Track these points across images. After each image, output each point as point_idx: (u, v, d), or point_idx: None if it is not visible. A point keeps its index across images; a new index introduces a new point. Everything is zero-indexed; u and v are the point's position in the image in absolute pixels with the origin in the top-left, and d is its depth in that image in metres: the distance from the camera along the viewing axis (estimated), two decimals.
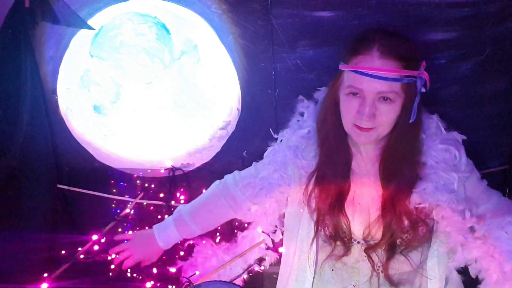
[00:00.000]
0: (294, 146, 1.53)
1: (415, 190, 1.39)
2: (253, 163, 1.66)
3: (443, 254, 1.45)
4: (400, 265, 1.46)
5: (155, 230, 1.67)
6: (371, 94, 1.31)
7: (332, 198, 1.44)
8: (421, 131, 1.42)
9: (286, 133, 1.57)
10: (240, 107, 1.81)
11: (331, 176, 1.45)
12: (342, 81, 1.38)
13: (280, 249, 1.66)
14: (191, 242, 1.80)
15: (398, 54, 1.31)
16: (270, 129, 1.65)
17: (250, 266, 1.73)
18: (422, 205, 1.39)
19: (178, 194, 1.91)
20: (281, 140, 1.59)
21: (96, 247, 1.82)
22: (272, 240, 1.69)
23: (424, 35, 1.60)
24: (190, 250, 1.83)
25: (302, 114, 1.58)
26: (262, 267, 1.75)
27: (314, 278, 1.51)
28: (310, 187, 1.48)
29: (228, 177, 1.68)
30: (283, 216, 1.62)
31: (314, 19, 1.61)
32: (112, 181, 1.92)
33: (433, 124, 1.45)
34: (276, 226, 1.67)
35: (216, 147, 1.89)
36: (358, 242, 1.47)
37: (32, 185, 1.79)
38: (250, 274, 1.77)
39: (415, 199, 1.39)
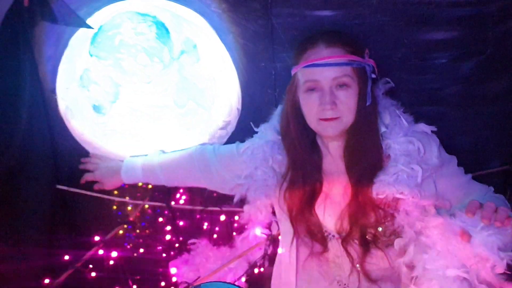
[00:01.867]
0: (271, 142, 1.56)
1: (375, 180, 1.38)
2: (236, 142, 1.69)
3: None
4: (378, 261, 1.46)
5: (123, 166, 1.77)
6: (327, 82, 1.36)
7: (302, 202, 1.47)
8: (376, 121, 1.41)
9: (264, 128, 1.60)
10: (240, 107, 1.80)
11: (301, 181, 1.47)
12: (297, 82, 1.43)
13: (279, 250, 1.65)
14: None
15: (342, 41, 1.39)
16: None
17: (251, 267, 1.72)
18: (382, 196, 1.37)
19: (178, 195, 1.90)
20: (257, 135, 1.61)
21: (100, 252, 1.81)
22: (272, 238, 1.69)
23: (425, 35, 1.59)
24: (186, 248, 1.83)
25: None
26: (262, 269, 1.75)
27: (296, 275, 1.52)
28: (282, 191, 1.51)
29: (208, 145, 1.75)
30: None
31: (314, 18, 1.60)
32: None
33: (394, 116, 1.43)
34: (272, 220, 1.67)
35: None
36: (334, 236, 1.48)
37: (31, 185, 1.78)
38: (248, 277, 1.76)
39: (376, 190, 1.38)
